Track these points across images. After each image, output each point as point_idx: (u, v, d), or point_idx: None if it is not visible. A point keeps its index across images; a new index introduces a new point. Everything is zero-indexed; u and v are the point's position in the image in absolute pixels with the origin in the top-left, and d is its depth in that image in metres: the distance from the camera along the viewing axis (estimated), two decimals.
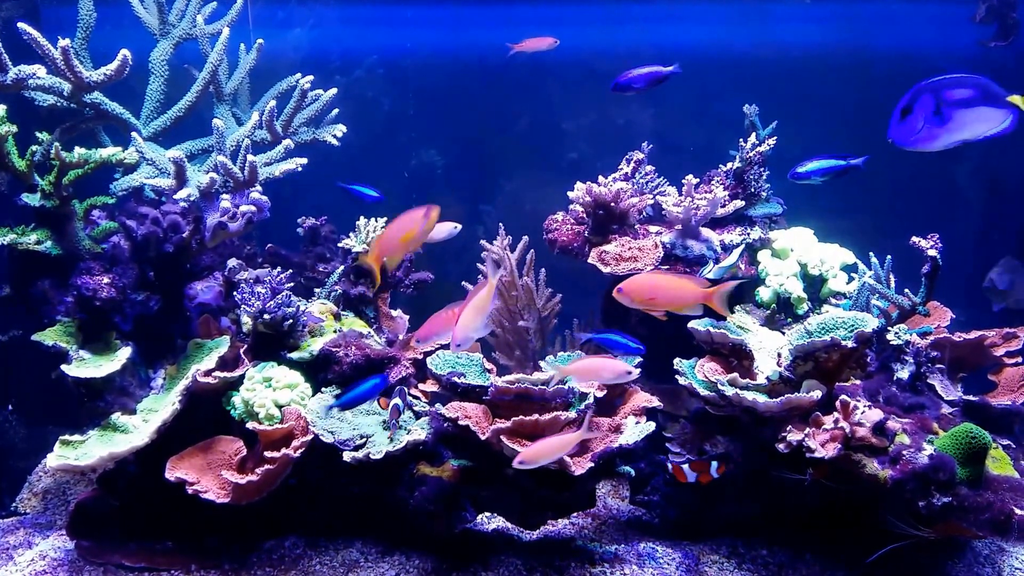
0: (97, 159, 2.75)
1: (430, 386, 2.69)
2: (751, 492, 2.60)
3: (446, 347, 2.90)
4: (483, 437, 2.32)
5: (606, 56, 4.56)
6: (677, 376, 2.61)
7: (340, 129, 3.43)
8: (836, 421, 2.27)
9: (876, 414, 2.25)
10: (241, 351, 2.68)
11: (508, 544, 2.64)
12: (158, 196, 3.04)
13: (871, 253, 2.78)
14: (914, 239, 2.62)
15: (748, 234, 3.14)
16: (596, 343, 2.55)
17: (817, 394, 2.36)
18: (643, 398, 2.56)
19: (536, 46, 3.56)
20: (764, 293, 3.04)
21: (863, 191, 4.62)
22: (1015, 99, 1.68)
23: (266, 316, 2.63)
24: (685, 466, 2.42)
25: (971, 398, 2.57)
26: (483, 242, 3.38)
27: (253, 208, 2.82)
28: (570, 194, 3.18)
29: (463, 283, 3.43)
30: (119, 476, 2.57)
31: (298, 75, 3.35)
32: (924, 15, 4.44)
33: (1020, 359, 2.72)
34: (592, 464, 2.30)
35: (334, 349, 2.71)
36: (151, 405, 2.58)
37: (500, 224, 3.36)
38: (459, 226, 2.82)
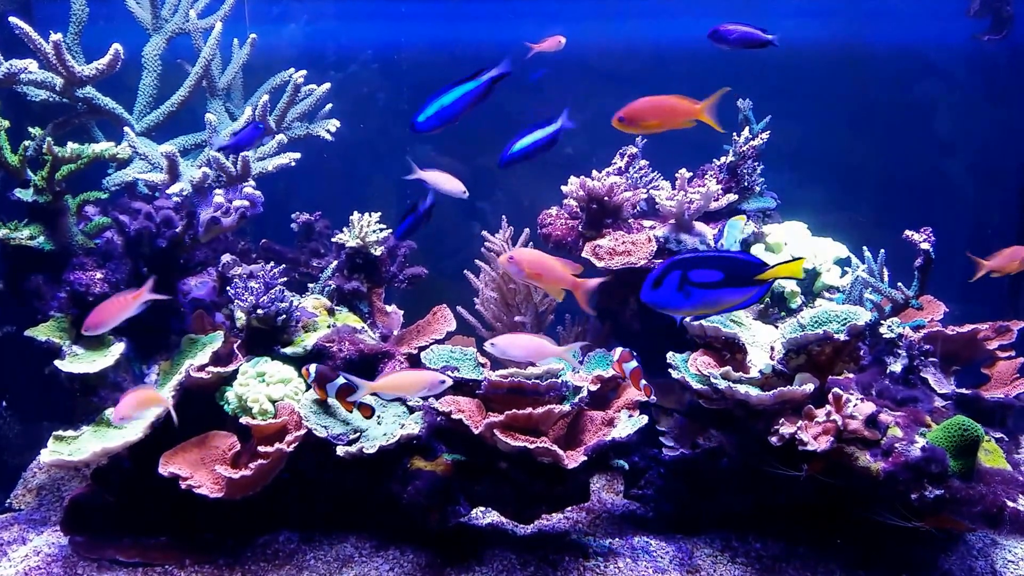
0: (90, 154, 2.74)
1: None
2: (745, 486, 2.61)
3: (440, 341, 2.90)
4: (476, 431, 2.32)
5: (601, 51, 4.55)
6: (670, 370, 2.61)
7: (334, 124, 3.43)
8: (828, 414, 2.27)
9: (868, 407, 2.25)
10: (235, 346, 2.68)
11: (502, 538, 2.65)
12: (151, 191, 3.03)
13: (864, 247, 2.78)
14: (907, 232, 2.62)
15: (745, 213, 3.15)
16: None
17: (810, 387, 2.36)
18: (636, 392, 2.56)
19: (550, 47, 3.56)
20: None
21: (857, 185, 4.63)
22: (764, 276, 1.75)
23: (260, 311, 2.62)
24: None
25: (964, 391, 2.57)
26: (484, 233, 3.38)
27: (246, 203, 2.81)
28: (564, 188, 3.18)
29: (465, 272, 3.43)
30: (113, 471, 2.56)
31: (292, 70, 3.34)
32: (918, 8, 4.44)
33: (1013, 352, 2.73)
34: (585, 457, 2.31)
35: (328, 344, 2.71)
36: None
37: (504, 217, 3.37)
38: (467, 193, 2.75)
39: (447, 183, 2.68)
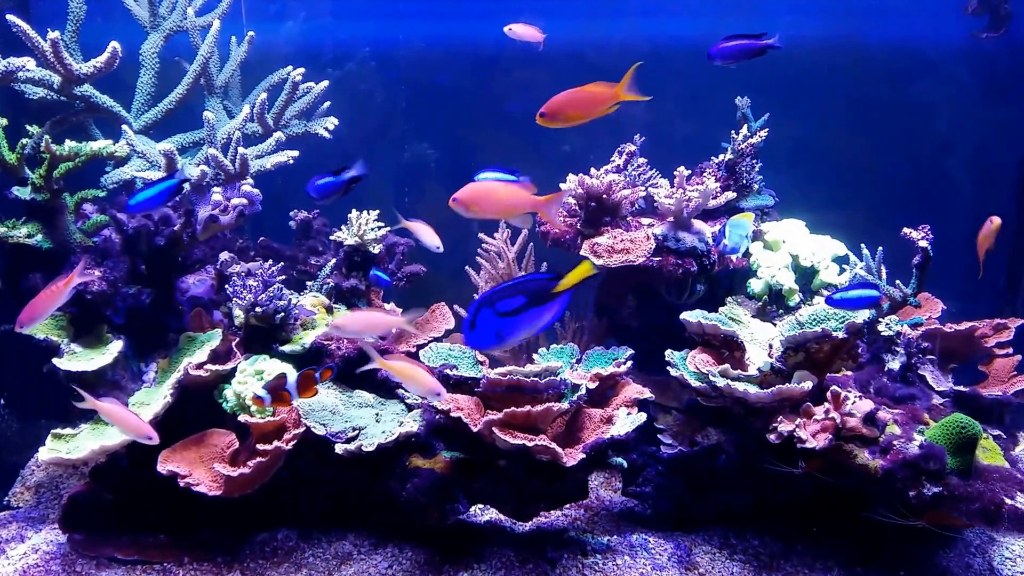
0: (88, 152, 2.74)
1: None
2: (743, 483, 2.61)
3: (439, 339, 2.91)
4: (475, 429, 2.32)
5: (599, 48, 4.55)
6: (669, 367, 2.62)
7: (332, 122, 3.42)
8: (827, 411, 2.27)
9: (867, 404, 2.26)
10: (233, 344, 2.68)
11: (501, 536, 2.65)
12: None
13: (862, 244, 2.78)
14: (905, 230, 2.62)
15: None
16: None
17: (808, 385, 2.36)
18: (635, 389, 2.56)
19: (529, 35, 3.56)
20: (756, 285, 3.04)
21: (856, 183, 4.64)
22: (559, 288, 1.79)
23: (258, 309, 2.62)
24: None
25: (962, 389, 2.58)
26: (482, 235, 3.37)
27: (244, 201, 2.81)
28: (562, 186, 3.17)
29: (467, 268, 3.43)
30: (111, 469, 2.56)
31: (289, 67, 3.34)
32: (916, 6, 4.44)
33: (1010, 350, 2.73)
34: (584, 455, 2.31)
35: (326, 342, 2.71)
36: (143, 399, 2.57)
37: None
38: (440, 248, 2.79)
39: (425, 235, 2.73)
